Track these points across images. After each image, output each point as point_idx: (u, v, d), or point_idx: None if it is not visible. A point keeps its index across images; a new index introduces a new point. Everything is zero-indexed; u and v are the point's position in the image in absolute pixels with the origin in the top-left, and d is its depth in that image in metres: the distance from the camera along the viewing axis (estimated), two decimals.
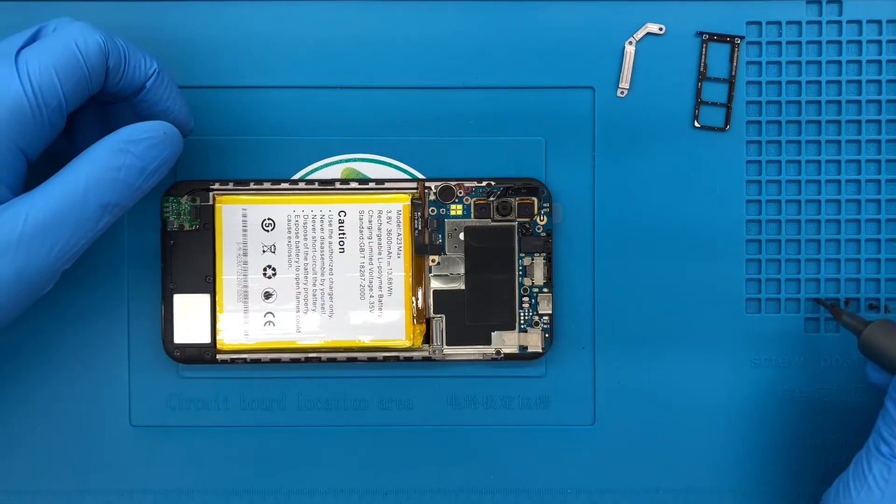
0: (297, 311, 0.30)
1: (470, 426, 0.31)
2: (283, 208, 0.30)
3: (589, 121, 0.30)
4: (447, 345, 0.30)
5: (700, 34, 0.30)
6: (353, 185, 0.30)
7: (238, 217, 0.30)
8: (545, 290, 0.30)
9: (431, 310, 0.30)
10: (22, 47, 0.24)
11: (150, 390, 0.30)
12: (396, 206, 0.30)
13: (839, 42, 0.30)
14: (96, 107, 0.28)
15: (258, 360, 0.30)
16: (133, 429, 0.30)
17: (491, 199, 0.30)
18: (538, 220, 0.30)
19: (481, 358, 0.30)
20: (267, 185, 0.30)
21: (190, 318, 0.30)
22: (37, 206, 0.24)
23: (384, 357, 0.30)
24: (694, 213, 0.30)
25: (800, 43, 0.30)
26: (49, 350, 0.30)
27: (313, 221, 0.30)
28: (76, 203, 0.24)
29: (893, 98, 0.30)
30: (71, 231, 0.24)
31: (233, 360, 0.30)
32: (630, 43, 0.30)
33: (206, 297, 0.30)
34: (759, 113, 0.30)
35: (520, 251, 0.30)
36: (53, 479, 0.30)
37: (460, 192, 0.30)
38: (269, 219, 0.30)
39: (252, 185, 0.30)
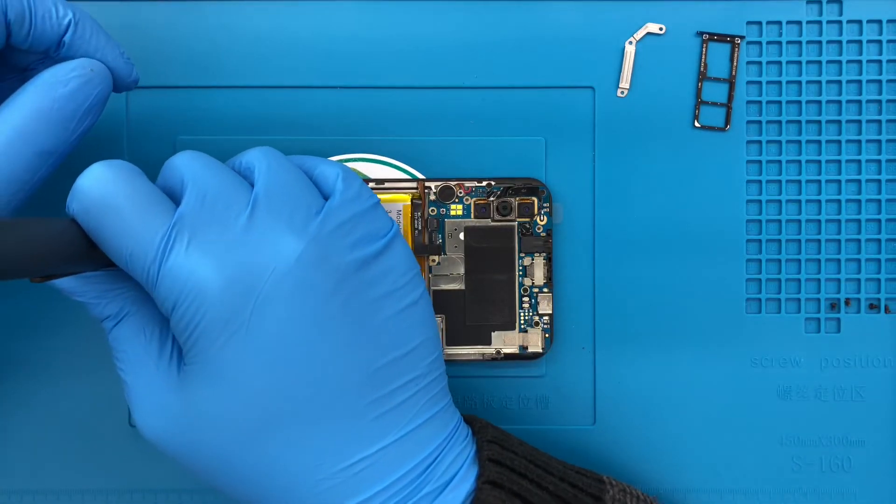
0: None
1: None
2: None
3: (589, 121, 0.30)
4: (447, 345, 0.30)
5: (700, 34, 0.30)
6: None
7: None
8: (545, 290, 0.30)
9: None
10: None
11: None
12: (396, 206, 0.30)
13: (839, 42, 0.30)
14: (11, 77, 0.26)
15: None
16: (133, 429, 0.30)
17: (491, 199, 0.30)
18: (538, 220, 0.30)
19: (481, 358, 0.30)
20: None
21: None
22: None
23: None
24: (694, 213, 0.30)
25: (800, 43, 0.30)
26: (49, 350, 0.30)
27: None
28: (11, 158, 0.23)
29: (894, 98, 0.30)
30: (10, 187, 0.23)
31: None
32: (630, 43, 0.30)
33: None
34: (760, 113, 0.30)
35: (520, 251, 0.30)
36: (53, 479, 0.30)
37: (460, 192, 0.30)
38: None
39: None
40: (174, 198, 0.23)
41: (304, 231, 0.22)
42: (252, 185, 0.23)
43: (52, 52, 0.25)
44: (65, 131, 0.23)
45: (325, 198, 0.24)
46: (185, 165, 0.23)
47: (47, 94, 0.23)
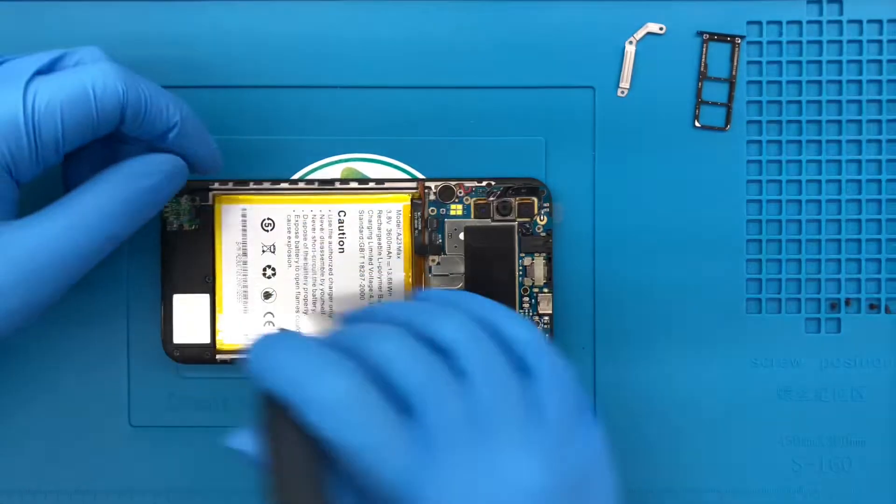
0: (297, 312, 0.30)
1: None
2: (282, 208, 0.30)
3: (589, 121, 0.30)
4: None
5: (700, 34, 0.30)
6: (353, 185, 0.30)
7: (238, 217, 0.30)
8: (545, 290, 0.30)
9: None
10: (39, 71, 0.23)
11: (150, 390, 0.30)
12: (396, 206, 0.30)
13: (840, 42, 0.30)
14: (100, 149, 0.27)
15: None
16: (133, 429, 0.30)
17: (491, 199, 0.30)
18: (538, 220, 0.30)
19: None
20: (266, 185, 0.30)
21: (189, 319, 0.30)
22: (44, 244, 0.23)
23: None
24: (694, 213, 0.30)
25: (800, 43, 0.30)
26: (49, 350, 0.30)
27: (313, 221, 0.30)
28: (85, 238, 0.23)
29: (894, 98, 0.30)
30: (75, 265, 0.23)
31: (233, 360, 0.30)
32: (630, 43, 0.30)
33: (206, 298, 0.30)
34: (760, 113, 0.30)
35: (520, 251, 0.30)
36: (53, 479, 0.30)
37: (460, 192, 0.30)
38: (268, 219, 0.30)
39: (252, 185, 0.30)
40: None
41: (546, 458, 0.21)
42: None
43: (154, 144, 0.26)
44: (135, 219, 0.25)
45: (519, 363, 0.23)
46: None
47: (132, 184, 0.24)
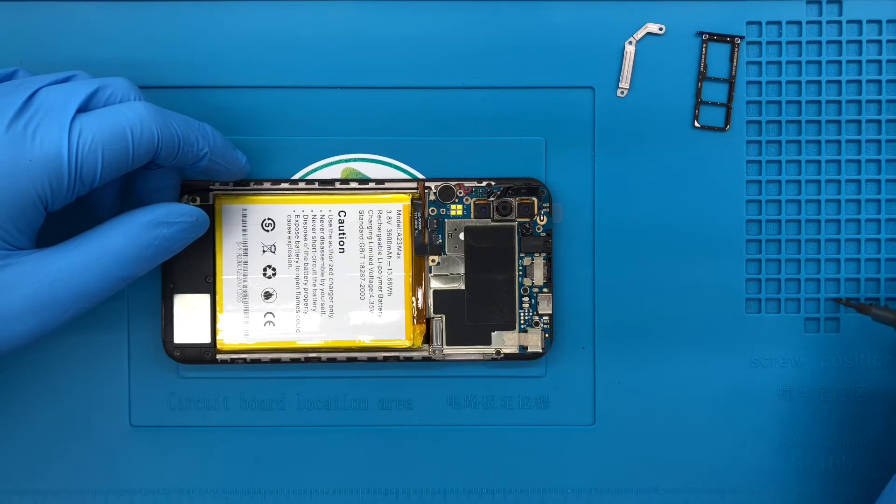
0: (297, 311, 0.30)
1: (470, 426, 0.31)
2: (283, 208, 0.30)
3: (589, 121, 0.30)
4: (447, 345, 0.30)
5: (700, 34, 0.30)
6: (353, 185, 0.30)
7: (238, 217, 0.30)
8: (545, 290, 0.30)
9: (431, 310, 0.30)
10: (80, 108, 0.24)
11: (150, 390, 0.30)
12: (396, 206, 0.30)
13: (839, 42, 0.30)
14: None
15: (258, 360, 0.30)
16: (133, 429, 0.30)
17: (491, 199, 0.30)
18: (538, 220, 0.30)
19: (481, 358, 0.30)
20: (267, 185, 0.30)
21: (190, 318, 0.30)
22: (63, 277, 0.24)
23: (384, 357, 0.30)
24: (694, 213, 0.30)
25: (800, 43, 0.30)
26: (49, 350, 0.30)
27: (313, 221, 0.30)
28: (100, 277, 0.25)
29: (893, 98, 0.30)
30: (88, 299, 0.25)
31: (233, 360, 0.30)
32: (630, 43, 0.30)
33: (206, 297, 0.30)
34: (759, 113, 0.30)
35: (520, 251, 0.30)
36: (53, 479, 0.30)
37: (460, 192, 0.30)
38: (269, 219, 0.30)
39: (252, 186, 0.30)
40: None
41: None
42: None
43: (185, 170, 0.28)
44: (150, 264, 0.26)
45: None
46: None
47: (153, 231, 0.25)
